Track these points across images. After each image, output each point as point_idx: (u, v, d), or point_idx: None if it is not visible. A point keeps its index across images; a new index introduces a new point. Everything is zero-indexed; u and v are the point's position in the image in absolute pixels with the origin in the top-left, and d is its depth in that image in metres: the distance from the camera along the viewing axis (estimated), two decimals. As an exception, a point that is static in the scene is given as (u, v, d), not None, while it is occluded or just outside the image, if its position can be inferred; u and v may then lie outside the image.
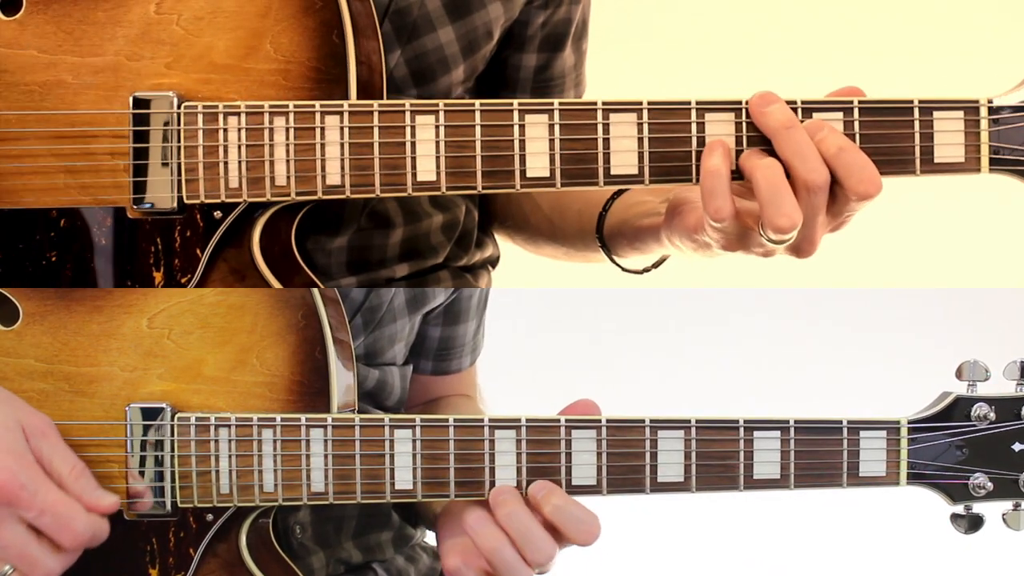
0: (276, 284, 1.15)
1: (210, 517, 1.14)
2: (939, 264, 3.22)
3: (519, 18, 1.36)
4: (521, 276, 1.59)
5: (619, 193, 1.31)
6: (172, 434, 1.12)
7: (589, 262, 1.38)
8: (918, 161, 1.13)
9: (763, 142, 1.12)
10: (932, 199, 2.85)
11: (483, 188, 1.13)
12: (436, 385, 1.46)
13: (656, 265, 1.29)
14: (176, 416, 1.13)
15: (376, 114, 1.12)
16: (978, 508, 1.15)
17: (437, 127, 1.13)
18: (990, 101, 1.12)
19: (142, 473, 1.13)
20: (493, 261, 1.49)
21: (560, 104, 1.13)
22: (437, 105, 1.13)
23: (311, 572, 1.28)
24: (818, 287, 3.24)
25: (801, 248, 1.12)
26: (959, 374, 1.15)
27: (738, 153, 1.12)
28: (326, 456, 1.13)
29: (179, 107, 1.13)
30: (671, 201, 1.20)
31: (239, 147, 1.13)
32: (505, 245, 1.52)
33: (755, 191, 1.09)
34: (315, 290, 1.14)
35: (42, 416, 1.10)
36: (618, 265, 1.32)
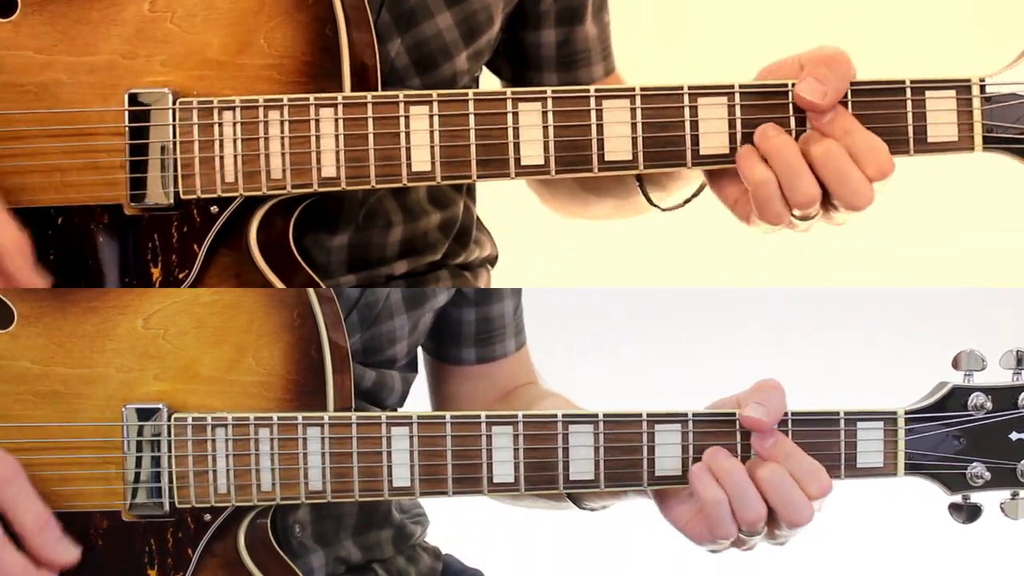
0: (274, 279, 1.16)
1: (208, 517, 1.14)
2: (938, 264, 3.22)
3: None
4: (520, 276, 1.59)
5: None
6: (169, 434, 1.12)
7: (637, 212, 1.36)
8: (911, 141, 1.13)
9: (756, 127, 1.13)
10: (930, 199, 2.85)
11: (478, 177, 1.14)
12: (485, 376, 1.44)
13: (696, 194, 1.26)
14: (172, 416, 1.12)
15: (370, 105, 1.13)
16: (976, 497, 1.15)
17: (431, 117, 1.13)
18: (982, 80, 1.13)
19: (139, 474, 1.12)
20: (492, 260, 1.49)
21: (553, 92, 1.13)
22: (431, 95, 1.13)
23: (310, 571, 1.28)
24: (816, 287, 3.25)
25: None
26: (956, 364, 1.15)
27: (731, 136, 1.13)
28: (323, 454, 1.12)
29: (174, 103, 1.13)
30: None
31: (234, 141, 1.13)
32: (503, 245, 1.52)
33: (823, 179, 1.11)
34: (311, 289, 1.14)
35: (9, 461, 1.10)
36: (655, 205, 1.30)
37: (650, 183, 1.28)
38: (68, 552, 1.10)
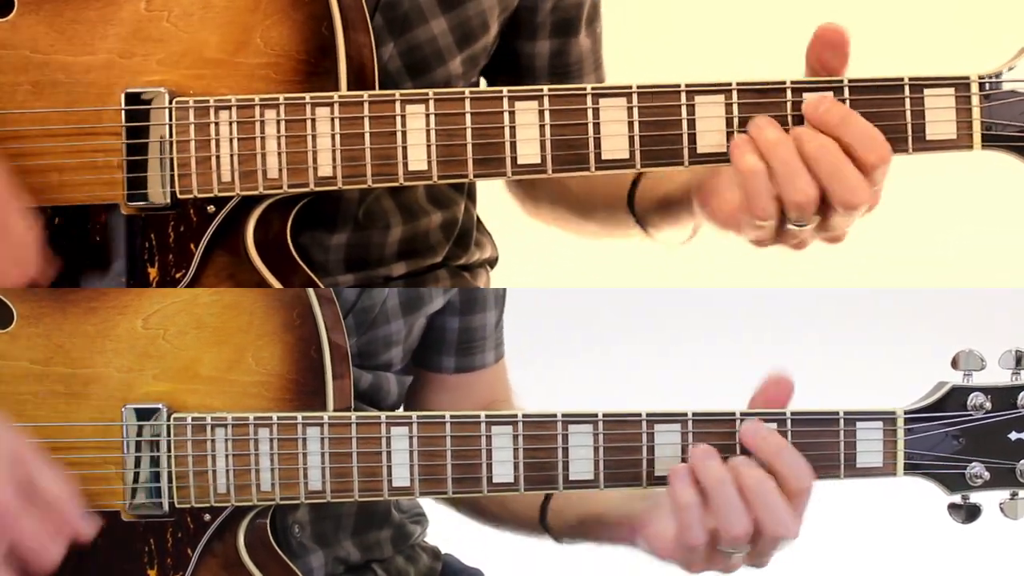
0: (271, 279, 1.16)
1: (207, 517, 1.14)
2: (936, 264, 3.23)
3: (525, 4, 1.35)
4: (519, 277, 1.59)
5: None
6: (168, 435, 1.12)
7: (626, 237, 1.36)
8: (910, 139, 1.13)
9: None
10: (929, 198, 2.86)
11: (474, 176, 1.13)
12: (463, 387, 1.44)
13: (691, 237, 1.26)
14: (172, 416, 1.12)
15: (366, 104, 1.13)
16: (975, 497, 1.15)
17: (427, 116, 1.13)
18: (981, 77, 1.12)
19: (139, 474, 1.12)
20: (492, 261, 1.49)
21: (550, 90, 1.13)
22: (427, 94, 1.13)
23: (310, 571, 1.28)
24: (814, 287, 3.25)
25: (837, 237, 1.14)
26: (955, 364, 1.15)
27: (728, 135, 1.12)
28: (323, 454, 1.12)
29: (171, 103, 1.13)
30: (701, 184, 1.18)
31: (231, 141, 1.13)
32: (503, 245, 1.52)
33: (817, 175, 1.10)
34: (310, 289, 1.14)
35: (22, 440, 1.06)
36: (649, 236, 1.30)
37: (645, 218, 1.28)
38: (90, 525, 1.08)
